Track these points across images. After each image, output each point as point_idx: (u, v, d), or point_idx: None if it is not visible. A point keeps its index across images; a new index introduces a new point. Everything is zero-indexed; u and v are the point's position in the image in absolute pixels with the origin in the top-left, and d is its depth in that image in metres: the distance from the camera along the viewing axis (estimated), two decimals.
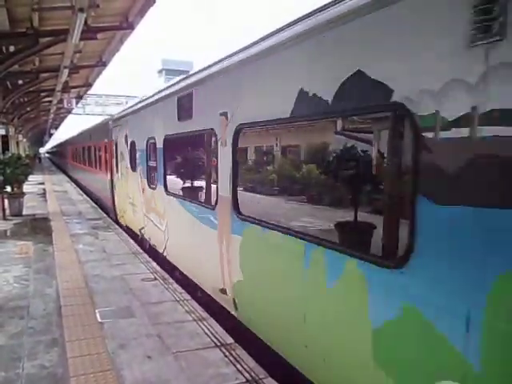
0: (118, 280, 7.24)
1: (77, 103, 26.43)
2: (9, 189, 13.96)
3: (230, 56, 5.32)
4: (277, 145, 4.96)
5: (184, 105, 6.85)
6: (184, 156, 7.86)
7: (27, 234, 11.34)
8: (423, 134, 2.69)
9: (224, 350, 4.70)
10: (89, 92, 27.57)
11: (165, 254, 8.49)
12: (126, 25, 11.23)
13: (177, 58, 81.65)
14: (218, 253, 5.77)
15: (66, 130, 72.25)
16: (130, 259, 8.65)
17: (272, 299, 4.57)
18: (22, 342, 4.93)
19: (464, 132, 2.45)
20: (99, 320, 5.53)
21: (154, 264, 8.36)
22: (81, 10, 8.18)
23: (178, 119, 7.15)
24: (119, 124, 12.22)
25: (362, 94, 3.22)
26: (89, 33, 10.47)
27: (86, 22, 9.17)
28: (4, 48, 12.53)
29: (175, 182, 7.88)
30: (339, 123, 3.80)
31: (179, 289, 6.86)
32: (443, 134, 2.59)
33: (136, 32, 11.88)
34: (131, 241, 10.46)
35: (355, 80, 3.25)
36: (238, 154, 5.20)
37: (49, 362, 4.45)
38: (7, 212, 13.78)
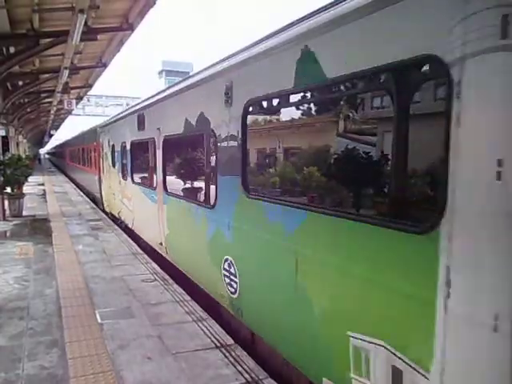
0: (117, 281, 7.25)
1: (77, 104, 26.44)
2: (9, 190, 13.96)
3: (158, 94, 8.80)
4: (178, 149, 8.23)
5: (141, 120, 9.80)
6: (140, 155, 10.48)
7: (27, 234, 11.34)
8: (218, 144, 5.65)
9: (224, 351, 4.71)
10: (89, 93, 27.59)
11: (133, 228, 11.36)
12: (126, 26, 11.23)
13: (177, 59, 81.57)
14: (158, 218, 8.59)
15: (66, 131, 72.34)
16: (130, 260, 8.65)
17: (183, 242, 7.52)
18: (21, 342, 4.93)
19: (225, 143, 5.40)
20: (99, 321, 5.53)
21: (154, 265, 8.37)
22: (81, 11, 8.17)
23: (138, 130, 10.07)
24: (104, 130, 15.17)
25: (203, 123, 6.17)
26: (89, 34, 10.47)
27: (86, 23, 9.17)
28: (4, 49, 12.54)
29: (136, 174, 10.83)
30: (199, 137, 6.79)
31: (179, 289, 6.87)
32: (222, 144, 5.51)
33: (136, 33, 11.92)
34: (131, 241, 10.46)
35: (201, 116, 6.23)
36: (165, 154, 8.18)
37: (49, 362, 4.46)
38: (7, 213, 13.78)
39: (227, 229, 5.44)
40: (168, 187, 8.00)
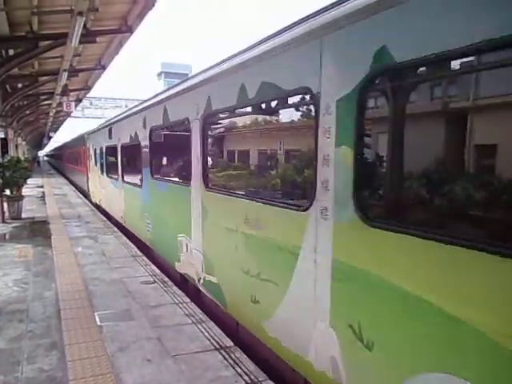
0: (117, 283, 7.24)
1: (76, 106, 26.45)
2: (8, 192, 13.95)
3: (119, 115, 12.80)
4: (128, 152, 11.45)
5: (110, 132, 13.61)
6: (110, 156, 13.94)
7: (26, 237, 11.33)
8: (142, 150, 9.43)
9: (223, 353, 4.70)
10: (88, 95, 27.60)
11: (107, 210, 15.25)
12: (125, 28, 11.25)
13: (176, 60, 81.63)
14: (121, 199, 12.44)
15: (66, 133, 72.33)
16: (129, 262, 8.65)
17: (131, 212, 11.16)
18: (21, 345, 4.93)
19: (144, 149, 9.32)
20: (98, 323, 5.53)
21: (154, 267, 8.37)
22: (80, 13, 8.18)
23: (108, 138, 13.84)
24: (90, 137, 19.07)
25: (136, 137, 9.88)
26: (88, 36, 10.48)
27: (85, 26, 9.18)
28: (3, 51, 12.55)
29: (108, 170, 14.51)
30: (136, 145, 9.89)
31: (178, 291, 6.86)
32: (143, 149, 9.42)
33: (135, 35, 11.92)
34: (131, 244, 10.46)
35: (136, 133, 9.92)
36: (122, 156, 12.10)
37: (48, 365, 4.45)
38: (6, 215, 13.77)
39: (146, 197, 9.56)
40: (124, 178, 12.01)
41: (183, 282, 7.40)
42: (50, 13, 9.67)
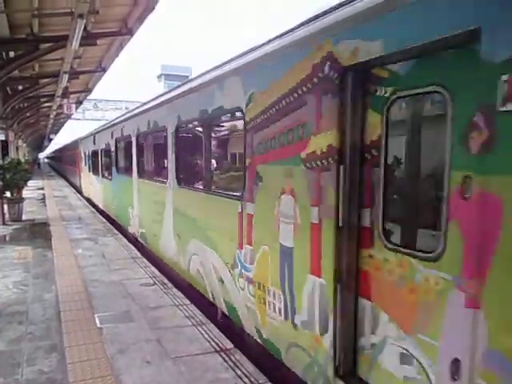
0: (117, 285, 7.24)
1: (76, 108, 26.50)
2: (8, 194, 13.96)
3: (100, 128, 16.86)
4: (105, 156, 15.32)
5: (95, 139, 17.31)
6: (95, 158, 17.73)
7: (26, 239, 11.34)
8: (111, 153, 13.98)
9: (223, 355, 4.70)
10: (88, 97, 27.63)
11: (94, 201, 18.93)
12: (125, 31, 11.28)
13: (176, 63, 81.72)
14: (100, 190, 16.54)
15: (66, 135, 72.39)
16: (129, 264, 8.65)
17: (109, 200, 15.06)
18: (21, 347, 4.93)
19: (112, 153, 13.87)
20: (98, 325, 5.53)
21: (154, 269, 8.37)
22: (80, 16, 8.21)
23: (93, 144, 17.61)
24: (82, 142, 22.74)
25: (109, 144, 14.26)
26: (88, 39, 10.51)
27: (85, 28, 9.21)
28: (4, 54, 12.58)
29: (93, 168, 18.56)
30: (109, 151, 14.22)
31: (178, 293, 6.86)
32: (111, 153, 14.09)
33: (136, 37, 11.95)
34: (131, 246, 10.47)
35: (108, 141, 14.48)
36: (101, 158, 15.94)
37: (48, 367, 4.45)
38: (7, 217, 13.78)
39: (115, 187, 13.55)
40: (102, 174, 15.97)
41: (135, 242, 10.96)
42: (51, 15, 9.70)
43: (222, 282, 5.73)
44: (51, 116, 28.56)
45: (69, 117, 35.04)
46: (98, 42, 11.29)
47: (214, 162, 7.07)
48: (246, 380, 4.20)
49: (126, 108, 72.75)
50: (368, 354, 3.46)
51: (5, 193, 13.64)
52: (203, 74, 6.33)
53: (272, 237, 4.44)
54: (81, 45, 10.13)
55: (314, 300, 3.86)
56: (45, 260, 8.92)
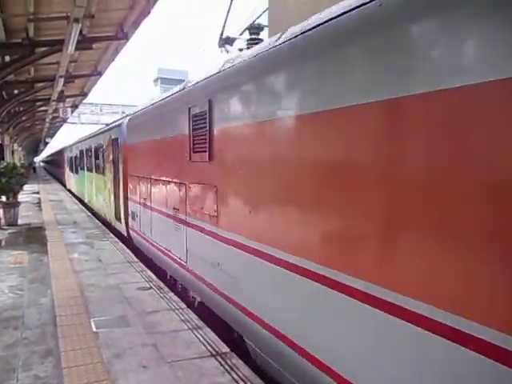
0: (113, 289, 7.23)
1: (72, 112, 26.49)
2: (4, 198, 13.91)
3: (70, 144, 29.74)
4: (74, 159, 25.89)
5: (71, 149, 27.34)
6: (73, 162, 25.78)
7: (22, 243, 11.30)
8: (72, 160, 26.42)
9: (220, 359, 4.70)
10: (84, 101, 27.62)
11: (73, 191, 26.40)
12: (121, 35, 11.29)
13: (172, 66, 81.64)
14: (73, 181, 26.88)
15: (62, 139, 72.37)
16: (126, 268, 8.64)
17: (79, 189, 23.70)
18: (16, 352, 4.91)
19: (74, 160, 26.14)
20: (94, 329, 5.51)
21: (150, 273, 8.35)
22: (76, 20, 8.22)
23: (70, 152, 27.75)
24: (66, 150, 30.94)
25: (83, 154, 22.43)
26: (84, 43, 10.52)
27: (81, 32, 9.22)
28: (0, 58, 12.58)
29: (70, 169, 28.42)
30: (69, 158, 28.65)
31: (175, 297, 6.85)
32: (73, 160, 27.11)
33: (132, 40, 11.97)
34: (127, 250, 10.44)
35: (81, 151, 22.90)
36: (73, 161, 26.22)
37: (43, 372, 4.43)
38: (2, 221, 13.73)
39: (78, 177, 23.32)
40: (74, 171, 24.34)
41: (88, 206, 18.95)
42: (47, 19, 9.71)
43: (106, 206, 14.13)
44: (47, 120, 28.61)
45: (64, 121, 35.01)
46: (94, 46, 11.30)
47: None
48: None
49: (123, 112, 72.56)
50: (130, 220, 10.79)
51: (0, 197, 13.58)
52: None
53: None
54: (76, 49, 10.13)
55: (120, 203, 11.90)
56: (41, 264, 8.90)
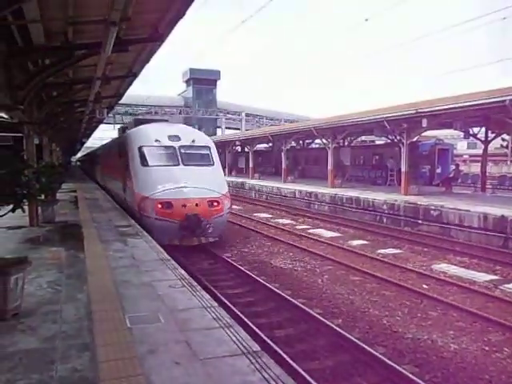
0: (146, 286, 7.37)
1: (108, 113, 27.13)
2: (43, 196, 14.35)
3: (95, 148, 50.17)
4: (100, 159, 35.93)
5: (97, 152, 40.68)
6: (94, 160, 40.76)
7: (59, 240, 11.66)
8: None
9: (250, 358, 4.73)
10: (119, 102, 28.22)
11: (98, 180, 34.79)
12: (155, 37, 11.45)
13: (204, 65, 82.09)
14: (100, 174, 33.32)
15: (95, 140, 74.54)
16: (158, 266, 8.79)
17: (98, 177, 36.85)
18: (54, 345, 5.08)
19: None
20: (128, 325, 5.64)
21: (182, 271, 8.47)
22: (113, 23, 8.40)
23: (96, 154, 41.67)
24: (94, 152, 43.53)
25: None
26: (120, 45, 10.72)
27: (117, 35, 9.42)
28: (40, 61, 12.99)
29: (97, 165, 37.42)
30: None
31: (206, 296, 6.93)
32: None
33: (167, 42, 12.12)
34: (160, 248, 10.61)
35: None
36: (100, 160, 34.45)
37: (81, 365, 4.58)
38: (40, 219, 14.18)
39: (94, 169, 40.26)
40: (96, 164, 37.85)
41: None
42: (85, 23, 9.96)
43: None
44: (84, 120, 29.32)
45: (100, 121, 35.86)
46: (130, 48, 11.51)
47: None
48: (272, 383, 4.21)
49: (156, 113, 73.79)
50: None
51: (40, 195, 14.04)
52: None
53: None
54: (113, 51, 10.34)
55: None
56: (77, 261, 9.16)
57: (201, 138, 16.58)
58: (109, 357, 4.74)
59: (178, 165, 15.07)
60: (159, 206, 13.84)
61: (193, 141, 15.95)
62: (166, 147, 15.50)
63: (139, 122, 19.27)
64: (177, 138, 15.76)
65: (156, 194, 14.07)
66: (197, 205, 13.87)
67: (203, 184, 14.41)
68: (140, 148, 15.50)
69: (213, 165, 15.86)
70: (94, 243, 10.96)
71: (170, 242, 13.26)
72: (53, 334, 5.39)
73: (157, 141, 15.58)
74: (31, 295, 6.81)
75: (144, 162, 15.17)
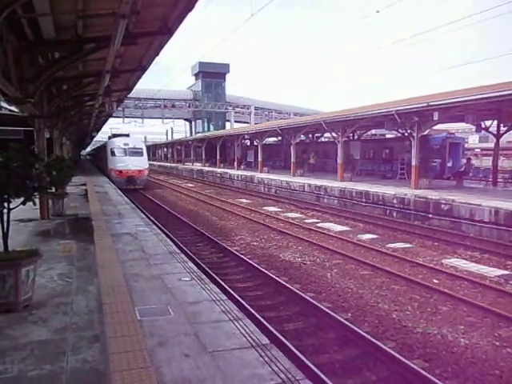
0: (156, 279, 7.42)
1: (117, 107, 27.20)
2: (53, 189, 14.46)
3: (100, 144, 64.59)
4: (108, 153, 41.39)
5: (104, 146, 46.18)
6: (105, 153, 42.54)
7: (70, 233, 11.77)
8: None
9: (260, 351, 4.74)
10: (129, 95, 28.25)
11: (105, 171, 41.36)
12: (165, 30, 11.43)
13: (213, 59, 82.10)
14: (105, 165, 40.47)
15: (104, 134, 75.49)
16: (168, 259, 8.83)
17: (104, 167, 45.45)
18: (65, 336, 5.13)
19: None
20: (138, 318, 5.68)
21: (191, 264, 8.50)
22: (123, 16, 8.39)
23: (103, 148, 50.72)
24: (108, 143, 38.07)
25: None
26: (130, 38, 10.71)
27: (127, 28, 9.41)
28: (50, 55, 13.04)
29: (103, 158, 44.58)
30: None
31: (215, 289, 6.95)
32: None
33: (175, 36, 12.10)
34: (169, 241, 10.66)
35: None
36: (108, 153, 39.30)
37: (91, 357, 4.62)
38: (51, 212, 14.30)
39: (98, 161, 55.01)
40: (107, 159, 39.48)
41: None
42: (94, 16, 9.97)
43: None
44: (93, 114, 29.42)
45: (110, 115, 36.05)
46: (139, 41, 11.50)
47: None
48: (282, 376, 4.22)
49: (165, 106, 73.77)
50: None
51: (51, 188, 14.14)
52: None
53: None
54: (122, 44, 10.34)
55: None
56: (87, 254, 9.23)
57: (139, 144, 36.31)
58: (119, 348, 4.78)
59: (126, 156, 33.74)
60: (117, 172, 32.80)
61: (134, 145, 34.84)
62: (123, 148, 34.22)
63: (113, 136, 39.20)
64: (127, 144, 34.59)
65: (116, 167, 33.15)
66: (133, 172, 32.88)
67: (137, 163, 33.33)
68: (111, 148, 34.40)
69: (142, 156, 34.79)
70: (104, 236, 11.04)
71: (121, 187, 28.31)
72: (64, 326, 5.44)
73: (118, 145, 34.52)
74: (42, 287, 6.88)
75: (113, 154, 34.02)
